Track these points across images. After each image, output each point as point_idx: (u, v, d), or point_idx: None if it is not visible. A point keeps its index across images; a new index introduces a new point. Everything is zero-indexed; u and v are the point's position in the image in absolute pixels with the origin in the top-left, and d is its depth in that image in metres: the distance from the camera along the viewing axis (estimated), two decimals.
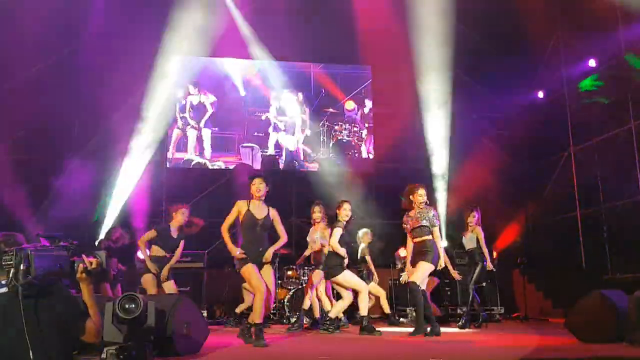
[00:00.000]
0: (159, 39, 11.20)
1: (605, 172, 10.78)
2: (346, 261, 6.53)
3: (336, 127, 12.51)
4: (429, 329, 5.80)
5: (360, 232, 8.22)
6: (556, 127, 11.43)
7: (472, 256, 7.52)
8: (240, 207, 5.27)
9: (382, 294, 8.26)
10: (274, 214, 5.38)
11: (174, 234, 6.63)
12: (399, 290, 9.33)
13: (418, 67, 11.79)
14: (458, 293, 9.02)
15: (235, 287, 8.15)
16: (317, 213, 7.14)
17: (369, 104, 12.73)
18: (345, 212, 6.50)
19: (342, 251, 6.41)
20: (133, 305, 3.48)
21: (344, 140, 12.56)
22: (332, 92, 12.67)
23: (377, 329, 6.36)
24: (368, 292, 6.90)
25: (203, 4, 10.90)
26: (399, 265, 9.45)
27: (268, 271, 5.21)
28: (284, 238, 5.41)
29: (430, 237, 6.07)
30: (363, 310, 6.45)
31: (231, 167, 11.86)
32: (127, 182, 11.00)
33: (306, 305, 7.18)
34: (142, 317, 3.47)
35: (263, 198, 5.37)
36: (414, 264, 6.12)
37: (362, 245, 8.14)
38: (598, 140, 10.66)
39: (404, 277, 7.57)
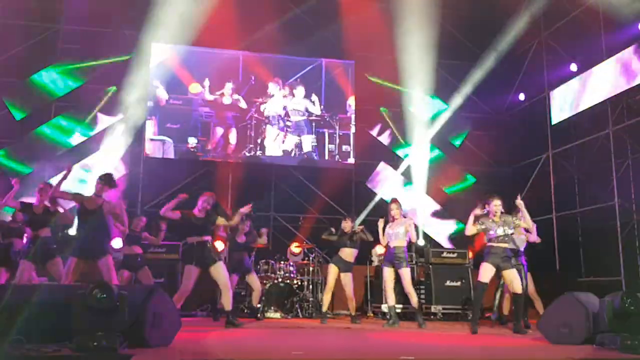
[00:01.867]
0: (139, 26, 11.09)
1: (582, 176, 11.00)
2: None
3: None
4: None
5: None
6: (536, 130, 11.60)
7: None
8: None
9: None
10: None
11: None
12: (374, 287, 9.41)
13: (401, 66, 11.86)
14: (432, 292, 9.11)
15: (210, 280, 8.11)
16: (397, 210, 7.28)
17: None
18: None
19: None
20: (105, 296, 3.46)
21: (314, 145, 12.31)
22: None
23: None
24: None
25: None
26: (376, 262, 9.52)
27: None
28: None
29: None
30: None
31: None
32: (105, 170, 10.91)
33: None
34: (114, 307, 3.45)
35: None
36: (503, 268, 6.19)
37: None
38: (577, 144, 10.85)
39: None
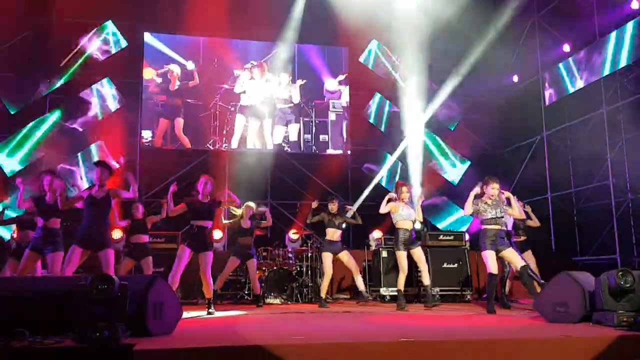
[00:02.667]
0: (137, 15, 11.04)
1: (576, 156, 11.02)
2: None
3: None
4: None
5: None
6: (530, 111, 11.60)
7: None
8: None
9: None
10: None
11: None
12: (373, 271, 9.46)
13: (395, 49, 11.80)
14: (430, 274, 9.15)
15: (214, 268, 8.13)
16: (407, 193, 7.37)
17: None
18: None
19: None
20: (106, 287, 3.47)
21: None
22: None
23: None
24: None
25: None
26: (373, 247, 9.56)
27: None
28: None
29: None
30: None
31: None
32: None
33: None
34: (115, 298, 3.46)
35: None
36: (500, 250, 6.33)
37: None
38: (570, 125, 10.86)
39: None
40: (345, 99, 12.36)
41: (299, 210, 11.47)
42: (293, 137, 12.02)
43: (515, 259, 6.31)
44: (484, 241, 6.30)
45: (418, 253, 7.20)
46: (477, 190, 6.53)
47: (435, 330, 4.59)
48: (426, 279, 7.26)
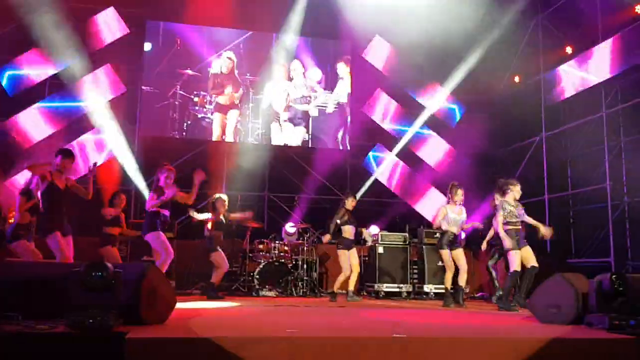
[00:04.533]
0: (141, 3, 10.99)
1: (574, 158, 11.02)
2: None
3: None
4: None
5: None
6: (530, 113, 11.57)
7: None
8: None
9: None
10: None
11: None
12: (368, 267, 9.48)
13: (397, 45, 11.76)
14: (425, 272, 9.20)
15: (205, 260, 8.15)
16: (461, 195, 7.42)
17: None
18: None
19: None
20: (100, 274, 3.46)
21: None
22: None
23: None
24: None
25: None
26: (369, 243, 9.57)
27: None
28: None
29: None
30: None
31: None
32: (100, 150, 10.89)
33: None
34: (109, 285, 3.46)
35: None
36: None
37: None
38: (570, 127, 10.85)
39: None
40: (345, 91, 12.29)
41: (297, 204, 11.47)
42: (297, 141, 11.92)
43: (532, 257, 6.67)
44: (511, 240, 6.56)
45: (459, 254, 7.29)
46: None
47: (429, 328, 4.60)
48: (462, 280, 7.31)
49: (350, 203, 8.09)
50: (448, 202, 7.37)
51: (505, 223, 6.65)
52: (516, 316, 5.77)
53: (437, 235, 9.31)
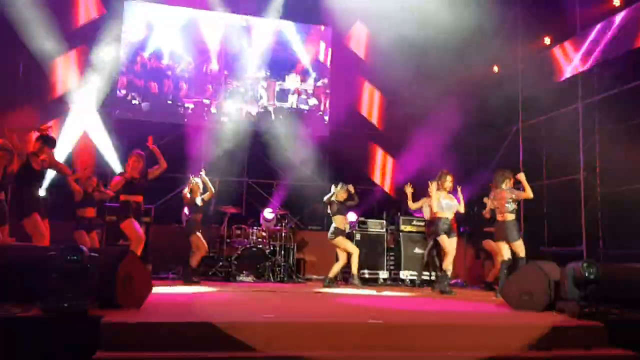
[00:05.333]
0: None
1: (550, 149, 11.17)
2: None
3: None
4: None
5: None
6: (507, 102, 11.67)
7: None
8: None
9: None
10: None
11: None
12: None
13: (375, 31, 11.72)
14: (402, 259, 9.29)
15: (181, 245, 8.12)
16: (450, 182, 7.42)
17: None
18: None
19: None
20: (76, 257, 3.43)
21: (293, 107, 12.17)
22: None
23: None
24: None
25: None
26: (347, 230, 9.60)
27: None
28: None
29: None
30: None
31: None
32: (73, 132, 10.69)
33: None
34: (84, 269, 3.43)
35: None
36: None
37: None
38: (546, 117, 10.99)
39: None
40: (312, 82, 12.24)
41: (275, 190, 11.46)
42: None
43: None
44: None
45: (454, 243, 7.30)
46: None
47: (404, 314, 4.66)
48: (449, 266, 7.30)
49: (341, 194, 8.13)
50: (438, 189, 7.34)
51: (512, 211, 6.83)
52: (490, 303, 5.87)
53: (417, 223, 9.49)
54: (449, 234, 7.24)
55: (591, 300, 4.28)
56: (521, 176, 6.94)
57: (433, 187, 7.25)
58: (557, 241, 10.52)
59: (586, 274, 4.33)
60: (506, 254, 6.63)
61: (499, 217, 6.78)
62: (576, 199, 9.79)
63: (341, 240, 8.02)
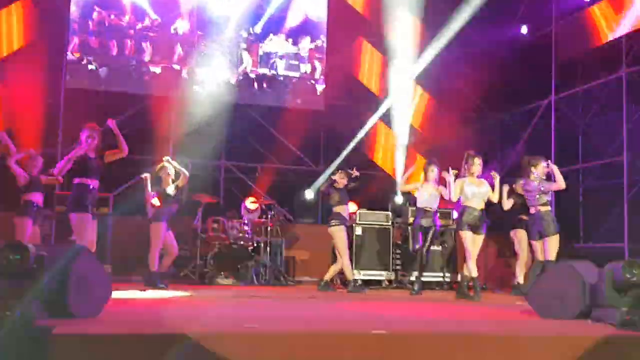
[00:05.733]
0: None
1: (587, 126, 11.18)
2: None
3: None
4: None
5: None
6: (539, 70, 11.66)
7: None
8: None
9: None
10: None
11: None
12: None
13: None
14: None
15: (146, 241, 8.11)
16: (480, 166, 7.36)
17: None
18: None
19: None
20: (18, 257, 3.42)
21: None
22: None
23: None
24: None
25: None
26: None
27: None
28: None
29: None
30: None
31: None
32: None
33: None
34: (30, 271, 3.43)
35: None
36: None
37: None
38: (584, 88, 10.96)
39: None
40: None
41: (259, 175, 11.42)
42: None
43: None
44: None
45: (478, 241, 7.15)
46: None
47: (410, 323, 4.69)
48: (474, 271, 7.17)
49: (341, 180, 8.17)
50: (464, 175, 7.25)
51: (545, 203, 6.92)
52: (514, 309, 5.92)
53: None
54: (475, 229, 7.05)
55: (634, 307, 4.31)
56: (553, 167, 6.96)
57: (449, 177, 7.20)
58: (594, 237, 10.58)
59: (628, 276, 4.36)
60: (541, 254, 6.72)
61: (531, 210, 6.88)
62: (618, 185, 9.83)
63: (340, 234, 8.04)
